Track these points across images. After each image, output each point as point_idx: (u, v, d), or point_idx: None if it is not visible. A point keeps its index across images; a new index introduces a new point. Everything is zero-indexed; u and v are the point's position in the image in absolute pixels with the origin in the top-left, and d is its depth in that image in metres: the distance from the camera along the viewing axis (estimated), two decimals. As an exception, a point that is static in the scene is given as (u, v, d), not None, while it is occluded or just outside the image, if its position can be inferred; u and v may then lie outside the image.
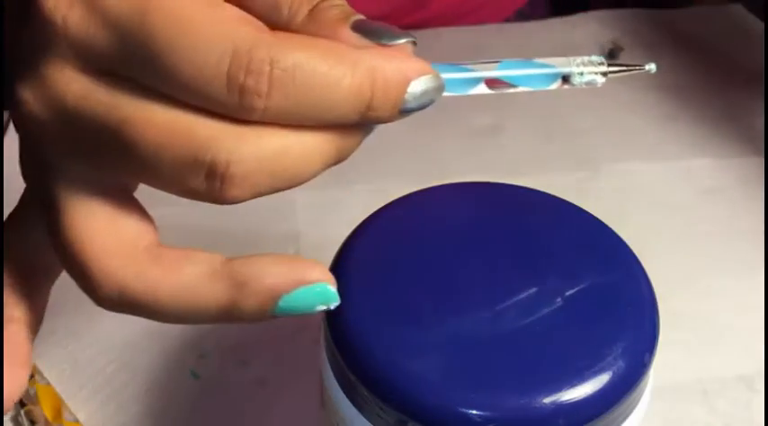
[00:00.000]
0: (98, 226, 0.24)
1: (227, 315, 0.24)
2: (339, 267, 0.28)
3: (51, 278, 0.28)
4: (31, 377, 0.39)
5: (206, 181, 0.23)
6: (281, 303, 0.24)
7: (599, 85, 0.26)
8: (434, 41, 0.60)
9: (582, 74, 0.25)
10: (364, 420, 0.26)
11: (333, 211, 0.47)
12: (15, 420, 0.38)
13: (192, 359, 0.41)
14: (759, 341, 0.41)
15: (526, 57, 0.25)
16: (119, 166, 0.24)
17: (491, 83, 0.25)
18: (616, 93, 0.56)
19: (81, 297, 0.45)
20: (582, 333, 0.26)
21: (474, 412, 0.24)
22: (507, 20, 0.66)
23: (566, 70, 0.25)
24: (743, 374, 0.40)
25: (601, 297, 0.27)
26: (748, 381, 0.40)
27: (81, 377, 0.40)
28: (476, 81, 0.25)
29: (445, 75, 0.24)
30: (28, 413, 0.38)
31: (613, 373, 0.25)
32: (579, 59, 0.25)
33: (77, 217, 0.24)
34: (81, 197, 0.24)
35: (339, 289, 0.27)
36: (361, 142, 0.24)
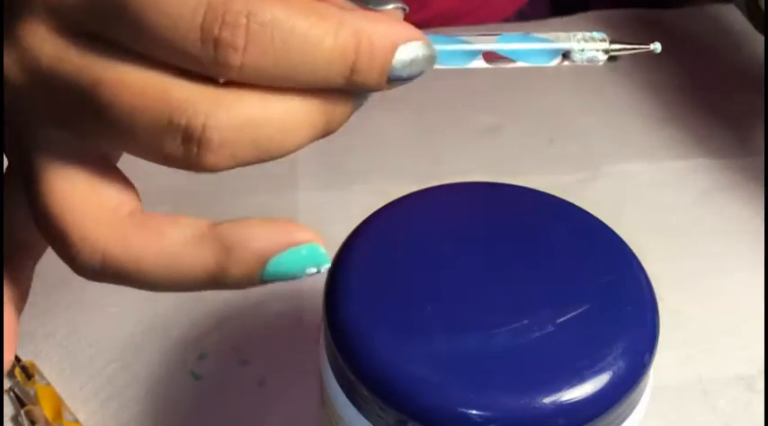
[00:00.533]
0: (78, 193, 0.24)
1: (215, 281, 0.23)
2: (339, 267, 0.28)
3: (35, 255, 0.28)
4: (31, 376, 0.39)
5: (182, 146, 0.22)
6: (270, 267, 0.23)
7: (600, 63, 0.25)
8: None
9: (583, 50, 0.24)
10: (364, 420, 0.26)
11: (333, 211, 0.47)
12: (15, 420, 0.38)
13: (192, 359, 0.41)
14: (759, 341, 0.41)
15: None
16: (94, 131, 0.23)
17: (489, 57, 0.24)
18: (616, 94, 0.56)
19: (81, 298, 0.45)
20: (582, 333, 0.26)
21: (474, 412, 0.24)
22: (507, 20, 0.66)
23: (566, 46, 0.24)
24: (743, 374, 0.40)
25: (601, 297, 0.27)
26: (748, 381, 0.40)
27: (81, 377, 0.40)
28: (474, 54, 0.24)
29: (442, 47, 0.23)
30: (28, 413, 0.38)
31: (613, 373, 0.25)
32: (580, 35, 0.24)
33: (56, 185, 0.24)
34: (59, 164, 0.24)
35: (339, 289, 0.27)
36: (352, 112, 0.24)
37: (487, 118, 0.54)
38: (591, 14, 0.63)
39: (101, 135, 0.23)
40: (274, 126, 0.22)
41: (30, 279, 0.28)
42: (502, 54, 0.24)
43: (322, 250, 0.23)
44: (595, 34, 0.25)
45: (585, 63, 0.24)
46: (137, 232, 0.23)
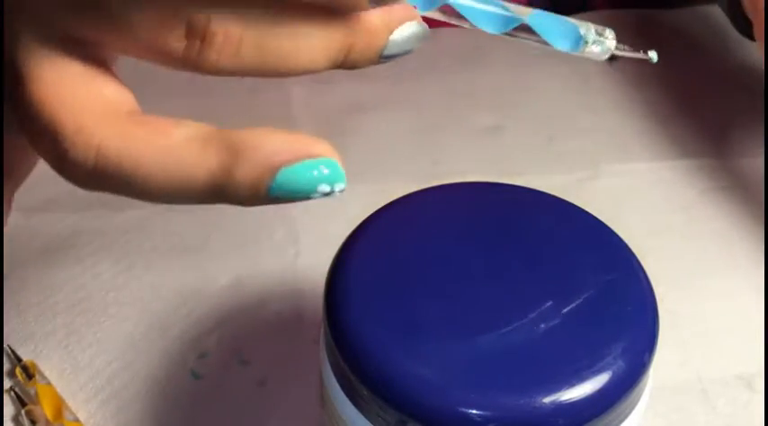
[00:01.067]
0: (74, 86, 0.23)
1: (218, 189, 0.22)
2: (339, 267, 0.28)
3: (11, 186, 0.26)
4: (32, 376, 0.39)
5: (186, 40, 0.21)
6: (280, 177, 0.21)
7: (602, 59, 0.25)
8: (434, 41, 0.60)
9: (588, 42, 0.25)
10: (364, 420, 0.26)
11: (333, 211, 0.47)
12: (16, 419, 0.38)
13: (192, 359, 0.41)
14: (759, 341, 0.41)
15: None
16: (97, 22, 0.22)
17: (522, 30, 0.24)
18: (616, 94, 0.56)
19: (81, 298, 0.45)
20: (582, 333, 0.26)
21: (474, 412, 0.24)
22: (507, 20, 0.66)
23: (584, 33, 0.25)
24: (743, 374, 0.40)
25: (601, 297, 0.27)
26: (748, 381, 0.40)
27: (81, 377, 0.40)
28: (510, 21, 0.24)
29: (487, 8, 0.24)
30: (28, 413, 0.38)
31: (613, 373, 0.25)
32: (593, 25, 0.25)
33: (51, 78, 0.22)
34: (54, 59, 0.23)
35: (339, 289, 0.27)
36: (376, 54, 0.23)
37: (487, 118, 0.54)
38: (590, 14, 0.63)
39: (103, 27, 0.22)
40: (284, 33, 0.21)
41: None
42: (533, 28, 0.24)
43: (339, 167, 0.22)
44: (608, 32, 0.25)
45: (587, 55, 0.25)
46: (137, 128, 0.22)
